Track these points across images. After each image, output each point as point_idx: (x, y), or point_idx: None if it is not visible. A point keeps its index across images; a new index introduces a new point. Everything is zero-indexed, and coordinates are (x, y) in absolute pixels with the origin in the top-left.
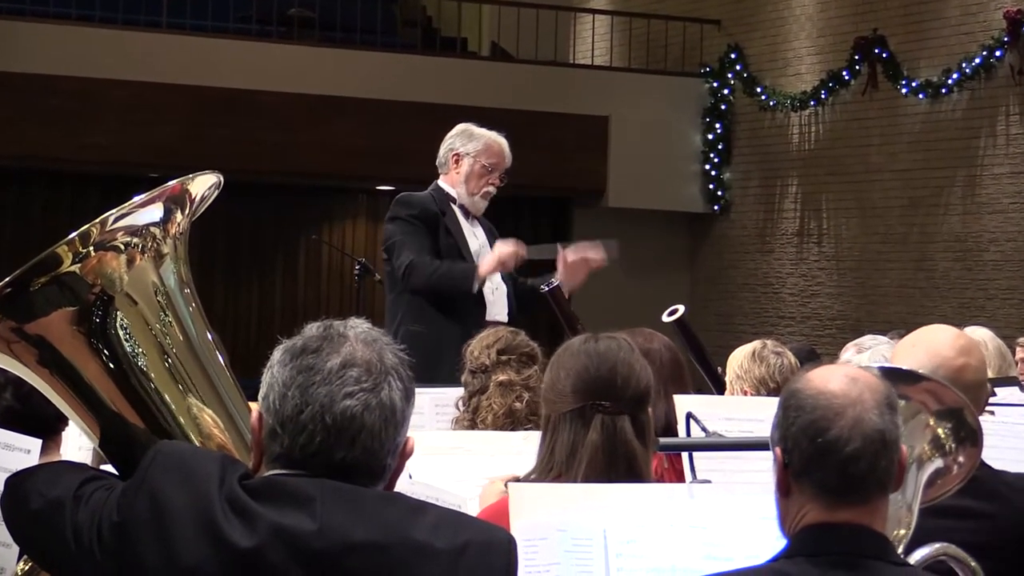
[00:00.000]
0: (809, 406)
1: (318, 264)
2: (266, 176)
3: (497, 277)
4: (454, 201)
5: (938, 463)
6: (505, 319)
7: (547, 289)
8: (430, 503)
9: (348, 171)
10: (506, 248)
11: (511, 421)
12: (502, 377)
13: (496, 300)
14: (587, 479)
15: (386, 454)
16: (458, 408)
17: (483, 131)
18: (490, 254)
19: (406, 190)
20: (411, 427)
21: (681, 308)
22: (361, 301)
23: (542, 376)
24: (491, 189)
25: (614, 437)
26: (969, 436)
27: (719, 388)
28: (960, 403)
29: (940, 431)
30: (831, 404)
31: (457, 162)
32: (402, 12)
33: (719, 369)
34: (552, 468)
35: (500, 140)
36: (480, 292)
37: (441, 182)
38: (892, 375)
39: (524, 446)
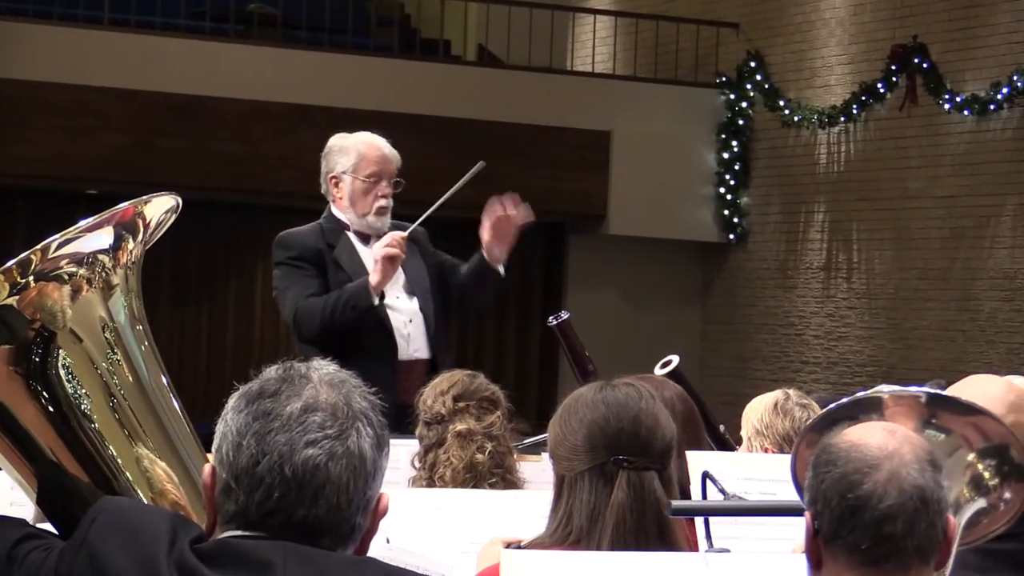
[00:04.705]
0: (841, 460)
1: None
2: (222, 194)
3: (412, 307)
4: (348, 227)
5: (980, 503)
6: (427, 355)
7: (555, 323)
8: (405, 569)
9: (315, 189)
10: (384, 243)
11: (473, 476)
12: (461, 427)
13: (412, 335)
14: (613, 545)
15: (355, 511)
16: (414, 466)
17: (354, 138)
18: (374, 261)
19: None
20: (386, 483)
21: (675, 359)
22: None
23: (506, 423)
24: (383, 203)
25: (643, 496)
26: (1014, 471)
27: (722, 449)
28: (1006, 438)
29: (981, 469)
30: (865, 457)
31: (337, 185)
32: (377, 10)
33: (721, 427)
34: (570, 534)
35: (375, 142)
36: (388, 328)
37: (333, 208)
38: (938, 402)
39: (515, 506)
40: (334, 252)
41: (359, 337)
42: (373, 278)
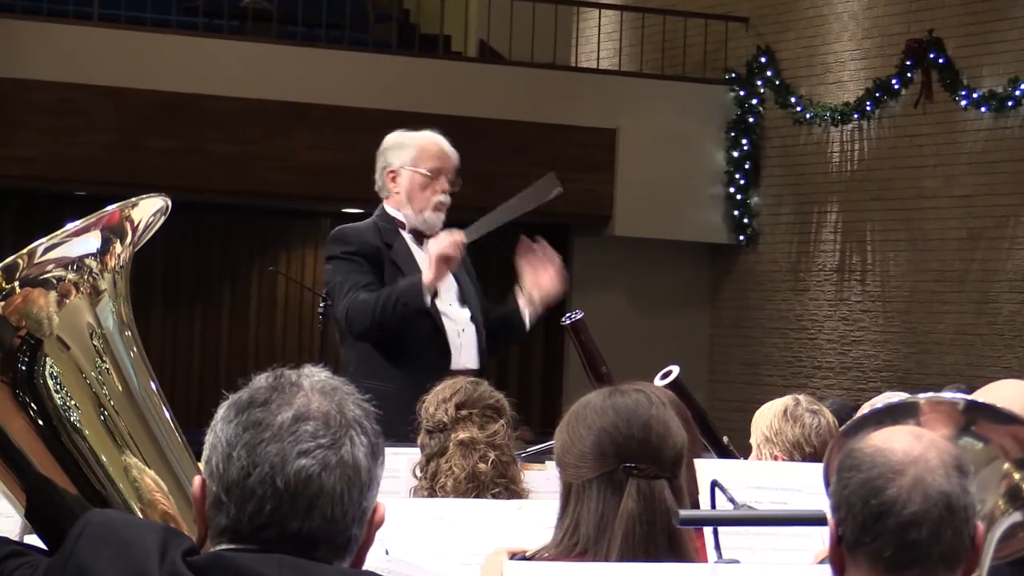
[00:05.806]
0: (866, 465)
1: (273, 299)
2: (214, 195)
3: (464, 317)
4: (403, 227)
5: (1016, 517)
6: (475, 366)
7: (569, 322)
8: None
9: (311, 190)
10: (441, 243)
11: (475, 486)
12: (463, 435)
13: (464, 344)
14: (621, 556)
15: (350, 523)
16: (415, 475)
17: (414, 134)
18: (429, 260)
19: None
20: (385, 493)
21: (676, 369)
22: (325, 345)
23: (510, 432)
24: (442, 199)
25: (653, 505)
26: None
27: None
28: None
29: (1018, 480)
30: (889, 462)
31: (394, 180)
32: (375, 5)
33: (725, 439)
34: (577, 544)
35: (436, 139)
36: (444, 338)
37: (386, 206)
38: (977, 410)
39: (520, 515)
40: (391, 251)
41: (414, 344)
42: (426, 275)
